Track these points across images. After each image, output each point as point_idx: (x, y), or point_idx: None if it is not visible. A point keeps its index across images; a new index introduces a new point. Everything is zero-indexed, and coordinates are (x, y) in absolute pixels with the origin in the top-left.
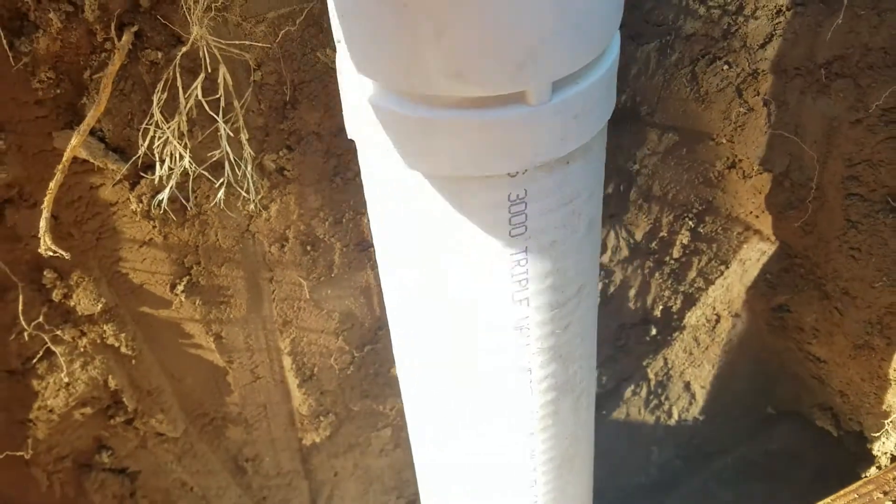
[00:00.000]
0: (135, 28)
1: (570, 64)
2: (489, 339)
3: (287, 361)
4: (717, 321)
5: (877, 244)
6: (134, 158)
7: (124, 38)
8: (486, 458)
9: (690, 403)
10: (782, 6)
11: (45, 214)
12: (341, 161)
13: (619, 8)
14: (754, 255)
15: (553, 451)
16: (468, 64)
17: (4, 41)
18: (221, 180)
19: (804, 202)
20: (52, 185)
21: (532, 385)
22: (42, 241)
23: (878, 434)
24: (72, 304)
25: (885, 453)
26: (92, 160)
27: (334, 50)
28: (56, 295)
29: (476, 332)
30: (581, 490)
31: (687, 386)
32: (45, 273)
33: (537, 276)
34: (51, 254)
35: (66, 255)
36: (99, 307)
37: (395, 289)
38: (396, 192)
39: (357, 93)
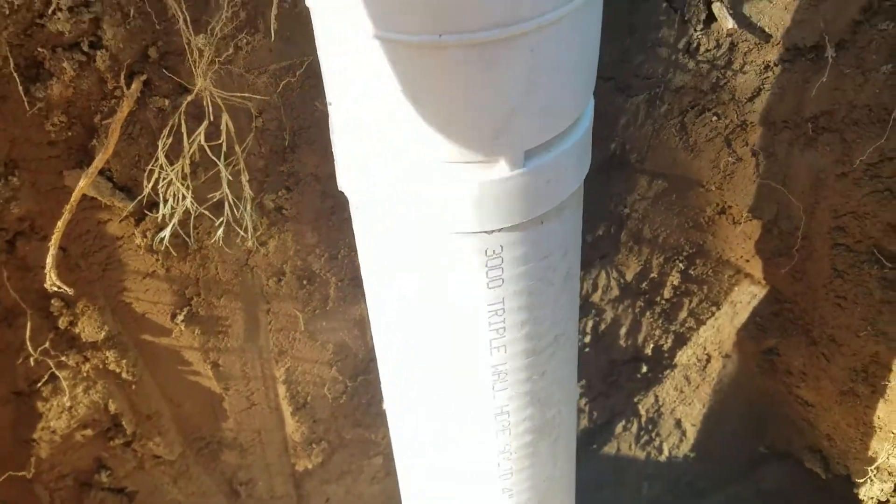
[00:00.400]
0: (144, 77)
1: (541, 135)
2: (467, 382)
3: (282, 390)
4: (708, 361)
5: (862, 294)
6: (139, 198)
7: (133, 86)
8: (464, 496)
9: (681, 440)
10: (770, 62)
11: (52, 251)
12: (337, 202)
13: (589, 83)
14: (745, 297)
15: (531, 492)
16: (443, 132)
17: (20, 87)
18: (221, 220)
19: (792, 250)
20: (59, 223)
21: (510, 428)
22: (48, 276)
23: (863, 480)
24: (77, 331)
25: (871, 498)
26: (100, 198)
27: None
28: (62, 322)
29: (455, 375)
30: None
31: (678, 423)
32: (52, 301)
33: (514, 326)
34: (55, 289)
35: (70, 291)
36: (102, 335)
37: (380, 330)
38: (384, 240)
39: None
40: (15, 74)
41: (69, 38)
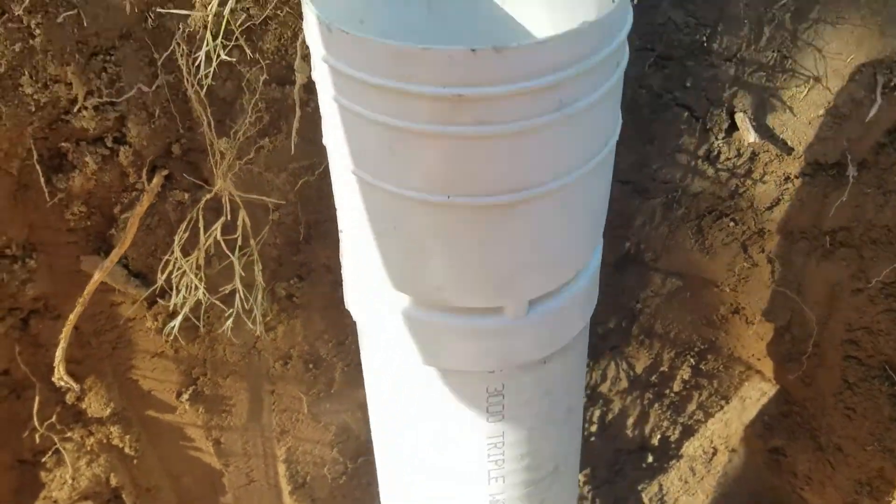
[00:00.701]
0: (165, 172)
1: (544, 286)
2: None
3: (282, 468)
4: (714, 454)
5: (871, 408)
6: (152, 289)
7: (154, 181)
8: None
9: None
10: (791, 174)
11: (63, 344)
12: None
13: (596, 234)
14: (755, 394)
15: None
16: (450, 282)
17: (42, 177)
18: (231, 311)
19: (803, 357)
20: (71, 316)
21: None
22: (56, 370)
23: None
24: (83, 406)
25: None
26: (114, 286)
27: None
28: (70, 397)
29: (453, 499)
30: None
31: None
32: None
33: (513, 458)
34: (62, 384)
35: (76, 387)
36: (108, 411)
37: (381, 443)
38: (387, 366)
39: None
40: (38, 166)
41: (93, 133)
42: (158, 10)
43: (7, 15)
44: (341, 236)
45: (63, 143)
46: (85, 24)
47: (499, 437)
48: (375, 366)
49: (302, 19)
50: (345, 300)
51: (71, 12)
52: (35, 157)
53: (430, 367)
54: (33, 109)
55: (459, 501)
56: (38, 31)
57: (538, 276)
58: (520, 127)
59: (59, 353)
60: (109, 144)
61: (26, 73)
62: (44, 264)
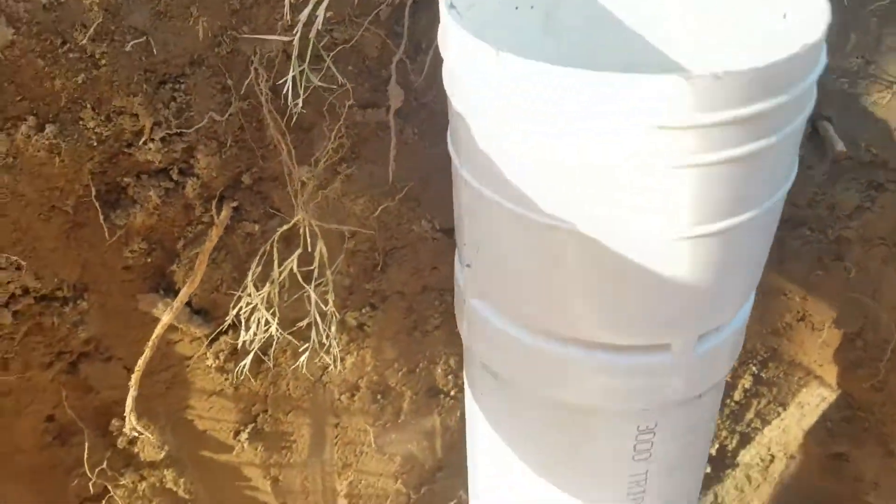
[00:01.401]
0: (234, 203)
1: (718, 320)
2: None
3: (342, 503)
4: (772, 461)
5: None
6: (220, 329)
7: (223, 213)
8: None
9: None
10: (873, 181)
11: (133, 393)
12: (421, 316)
13: (763, 265)
14: (814, 399)
15: None
16: (618, 320)
17: (101, 214)
18: (306, 346)
19: (876, 362)
20: (140, 362)
21: None
22: (127, 420)
23: None
24: (135, 450)
25: None
26: (176, 325)
27: (429, 221)
28: (121, 442)
29: None
30: None
31: None
32: (112, 421)
33: (653, 496)
34: (136, 434)
35: (152, 437)
36: (162, 454)
37: (506, 475)
38: (531, 413)
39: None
40: (95, 202)
41: (158, 166)
42: (234, 33)
43: (69, 45)
44: (466, 271)
45: (123, 178)
46: (154, 52)
47: (642, 474)
48: (509, 407)
49: (390, 38)
50: (463, 330)
51: (139, 40)
52: (93, 192)
53: (579, 407)
54: (94, 143)
55: None
56: (102, 61)
57: (715, 309)
58: (735, 154)
59: (129, 403)
60: (175, 177)
61: (89, 105)
62: (96, 304)
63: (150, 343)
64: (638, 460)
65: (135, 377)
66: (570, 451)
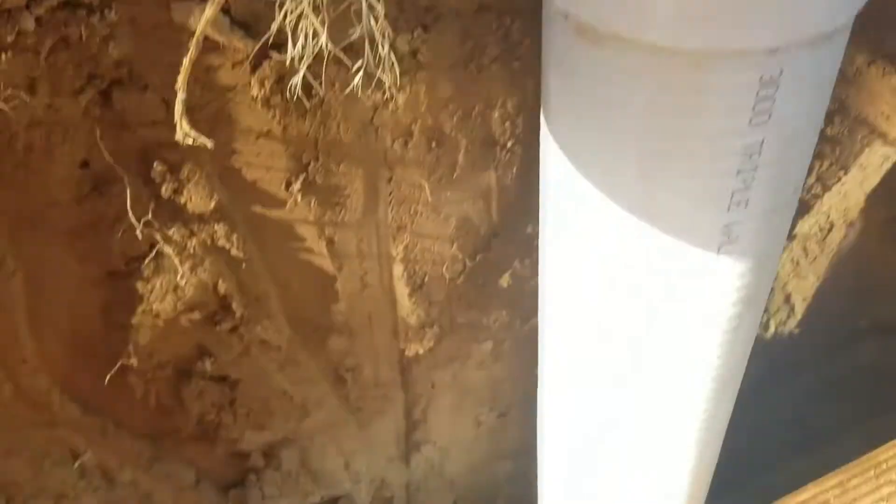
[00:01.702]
0: None
1: None
2: (693, 242)
3: (398, 269)
4: (830, 230)
5: None
6: (267, 36)
7: None
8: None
9: (789, 316)
10: None
11: (181, 96)
12: (478, 44)
13: None
14: (876, 160)
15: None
16: None
17: None
18: (359, 62)
19: None
20: (186, 60)
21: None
22: (179, 125)
23: None
24: (182, 200)
25: None
26: (217, 37)
27: None
28: (165, 190)
29: (679, 232)
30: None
31: (787, 299)
32: (154, 166)
33: (764, 176)
34: (189, 141)
35: (209, 143)
36: (212, 205)
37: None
38: (629, 81)
39: None
40: None
41: None
42: None
43: None
44: None
45: None
46: None
47: (756, 147)
48: (609, 77)
49: None
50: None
51: None
52: None
53: (690, 56)
54: None
55: (688, 236)
56: None
57: None
58: None
59: (178, 106)
60: None
61: None
62: (125, 17)
63: (195, 38)
64: (756, 124)
65: (182, 77)
66: (677, 124)
